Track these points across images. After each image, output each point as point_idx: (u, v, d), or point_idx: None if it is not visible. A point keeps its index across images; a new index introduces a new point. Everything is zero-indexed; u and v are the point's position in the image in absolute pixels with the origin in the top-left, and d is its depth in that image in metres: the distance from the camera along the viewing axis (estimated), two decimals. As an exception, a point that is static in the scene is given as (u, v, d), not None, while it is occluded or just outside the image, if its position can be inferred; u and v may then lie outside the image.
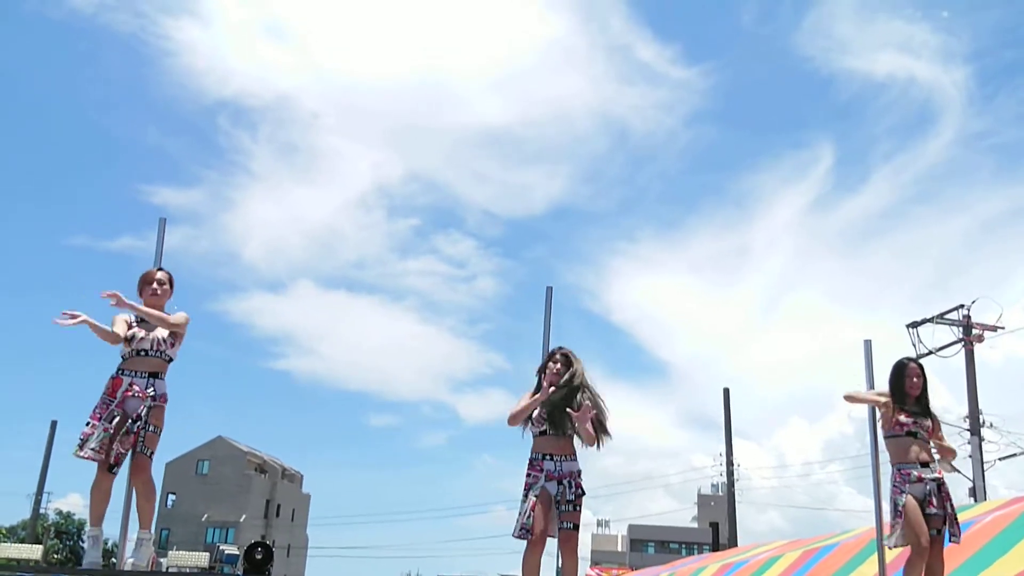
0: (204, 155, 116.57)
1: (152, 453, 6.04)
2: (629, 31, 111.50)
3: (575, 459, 6.31)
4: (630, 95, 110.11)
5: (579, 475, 6.25)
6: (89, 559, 6.10)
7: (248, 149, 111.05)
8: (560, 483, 6.18)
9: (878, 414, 7.02)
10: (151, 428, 6.03)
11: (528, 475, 6.26)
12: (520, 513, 6.09)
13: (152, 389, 6.12)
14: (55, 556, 55.36)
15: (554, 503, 6.13)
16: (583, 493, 6.20)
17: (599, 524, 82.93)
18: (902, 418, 6.75)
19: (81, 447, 5.91)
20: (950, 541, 6.59)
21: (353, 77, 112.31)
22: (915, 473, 6.61)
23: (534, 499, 6.08)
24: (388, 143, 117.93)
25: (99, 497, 6.01)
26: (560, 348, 6.57)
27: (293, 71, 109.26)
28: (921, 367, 6.99)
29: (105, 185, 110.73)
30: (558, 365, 6.41)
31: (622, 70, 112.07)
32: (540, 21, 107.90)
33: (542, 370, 6.48)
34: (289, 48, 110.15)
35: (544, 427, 6.29)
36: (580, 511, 6.19)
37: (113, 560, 7.38)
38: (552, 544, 6.27)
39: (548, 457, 6.23)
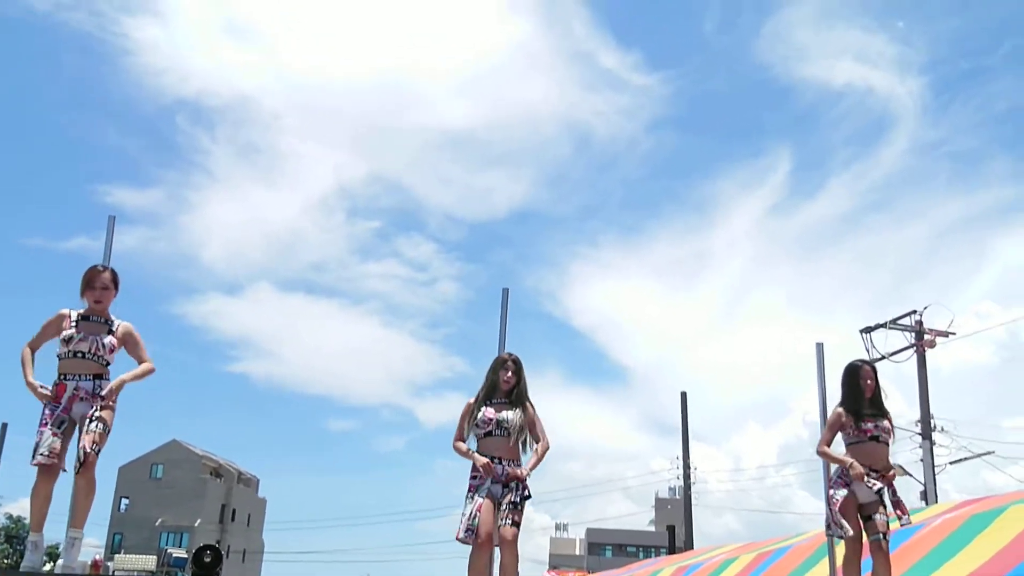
0: (162, 155, 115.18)
1: (99, 451, 5.88)
2: (591, 37, 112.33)
3: (519, 462, 6.32)
4: (593, 101, 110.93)
5: (525, 478, 6.25)
6: (28, 563, 5.92)
7: (207, 149, 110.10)
8: (506, 486, 6.18)
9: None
10: (101, 427, 5.88)
11: (473, 477, 6.25)
12: (464, 515, 6.06)
13: (100, 390, 6.00)
14: (5, 561, 54.26)
15: (497, 505, 6.12)
16: (529, 496, 6.20)
17: (557, 528, 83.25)
18: (865, 424, 6.74)
19: (33, 455, 5.79)
20: (900, 523, 6.67)
21: (316, 78, 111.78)
22: (866, 477, 6.63)
23: (480, 500, 6.08)
24: (350, 145, 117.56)
25: (40, 503, 5.87)
26: (510, 354, 6.58)
27: (255, 71, 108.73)
28: (874, 368, 7.03)
29: (60, 185, 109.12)
30: (509, 373, 6.43)
31: (585, 76, 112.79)
32: (505, 24, 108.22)
33: (492, 372, 6.48)
34: (251, 48, 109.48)
35: (491, 428, 6.28)
36: (523, 511, 6.18)
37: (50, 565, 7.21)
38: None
39: (496, 460, 6.22)
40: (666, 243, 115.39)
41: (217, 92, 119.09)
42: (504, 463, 6.22)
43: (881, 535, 6.57)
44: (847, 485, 6.63)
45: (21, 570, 5.93)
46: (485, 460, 6.16)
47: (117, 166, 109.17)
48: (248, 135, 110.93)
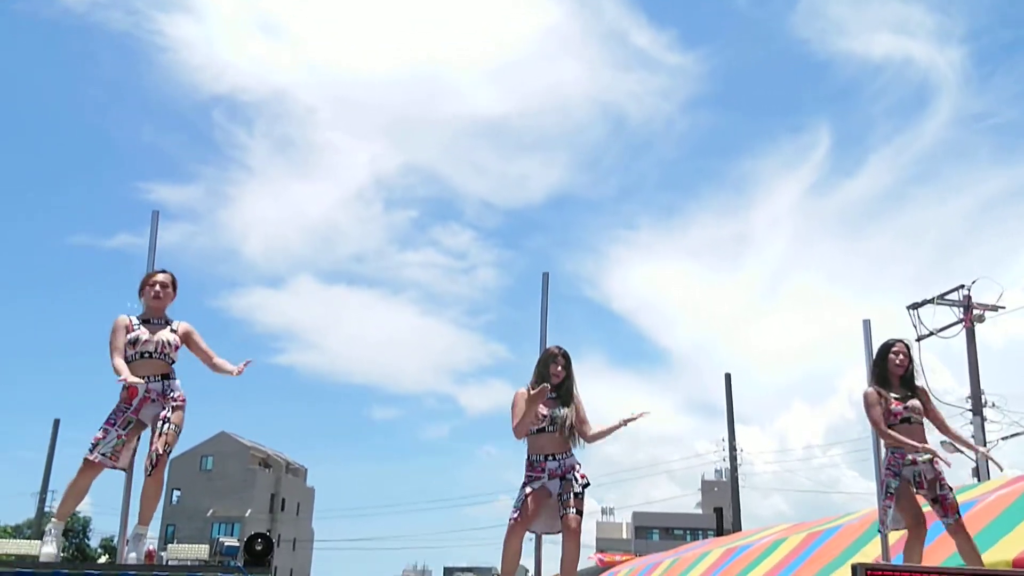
0: (200, 151, 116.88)
1: (170, 452, 6.05)
2: (624, 17, 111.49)
3: (572, 454, 6.32)
4: (627, 82, 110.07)
5: (580, 467, 6.28)
6: (47, 553, 5.95)
7: (244, 144, 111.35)
8: (564, 478, 6.19)
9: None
10: (174, 427, 6.05)
11: (528, 476, 6.25)
12: (515, 501, 6.15)
13: (170, 391, 6.13)
14: (61, 554, 55.40)
15: (557, 497, 6.14)
16: (588, 484, 6.24)
17: (603, 512, 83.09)
18: (893, 407, 6.64)
19: (92, 450, 5.89)
20: (943, 526, 6.54)
21: (348, 70, 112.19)
22: (909, 456, 6.55)
23: (530, 490, 6.14)
24: (385, 136, 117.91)
25: (77, 494, 6.00)
26: (559, 348, 6.56)
27: (288, 65, 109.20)
28: (907, 345, 6.91)
29: (102, 183, 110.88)
30: (559, 367, 6.42)
31: (618, 56, 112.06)
32: (534, 9, 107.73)
33: (543, 367, 6.45)
34: (283, 42, 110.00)
35: (543, 425, 6.27)
36: (584, 499, 6.21)
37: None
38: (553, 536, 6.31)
39: (550, 457, 6.23)
40: (705, 224, 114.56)
41: (252, 87, 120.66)
42: (559, 458, 6.24)
43: (952, 519, 6.45)
44: (897, 475, 6.54)
45: (40, 559, 5.95)
46: (544, 385, 6.16)
47: (156, 163, 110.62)
48: (284, 129, 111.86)
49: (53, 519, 6.14)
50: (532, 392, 6.17)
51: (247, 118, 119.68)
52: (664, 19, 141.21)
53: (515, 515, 6.07)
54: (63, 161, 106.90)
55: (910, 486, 6.52)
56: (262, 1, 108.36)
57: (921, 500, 6.61)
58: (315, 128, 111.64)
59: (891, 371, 6.76)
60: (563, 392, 6.40)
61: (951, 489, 6.56)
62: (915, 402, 6.72)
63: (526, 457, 6.33)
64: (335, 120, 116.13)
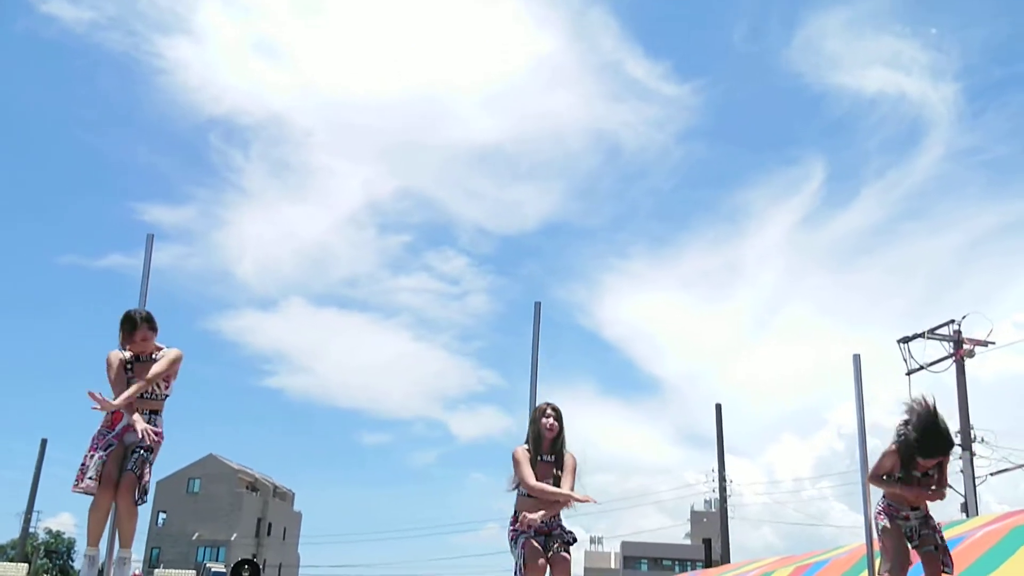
0: (196, 173, 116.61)
1: (141, 476, 5.99)
2: (620, 48, 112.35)
3: (559, 518, 6.31)
4: (621, 112, 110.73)
5: (565, 526, 6.30)
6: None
7: (240, 167, 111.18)
8: (549, 535, 6.20)
9: (867, 431, 6.95)
10: (148, 455, 6.04)
11: (513, 528, 6.24)
12: (518, 559, 6.10)
13: (153, 425, 6.12)
14: (44, 575, 54.94)
15: (542, 547, 6.14)
16: (576, 540, 6.28)
17: (592, 541, 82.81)
18: (917, 473, 6.49)
19: (79, 482, 5.89)
20: (943, 572, 6.53)
21: (345, 94, 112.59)
22: (903, 512, 6.55)
23: (524, 540, 6.11)
24: (380, 160, 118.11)
25: (100, 516, 5.98)
26: (549, 404, 6.55)
27: (286, 89, 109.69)
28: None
29: (95, 203, 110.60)
30: (551, 420, 6.41)
31: (613, 87, 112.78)
32: (531, 38, 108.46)
33: (535, 424, 6.44)
34: (282, 66, 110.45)
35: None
36: (571, 547, 6.25)
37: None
38: None
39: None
40: (697, 254, 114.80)
41: (249, 110, 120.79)
42: (546, 521, 6.18)
43: (932, 547, 6.46)
44: (893, 518, 6.54)
45: None
46: (535, 518, 6.10)
47: (151, 184, 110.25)
48: (279, 152, 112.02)
49: (89, 547, 6.07)
50: (528, 521, 6.14)
51: (244, 140, 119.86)
52: (660, 50, 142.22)
53: (518, 569, 6.04)
54: (57, 180, 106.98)
55: (901, 530, 6.52)
56: (261, 24, 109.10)
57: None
58: (311, 151, 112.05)
59: (929, 452, 6.50)
60: (557, 448, 6.39)
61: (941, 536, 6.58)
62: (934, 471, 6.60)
63: (513, 511, 6.30)
64: (331, 143, 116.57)
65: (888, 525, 6.53)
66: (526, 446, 6.38)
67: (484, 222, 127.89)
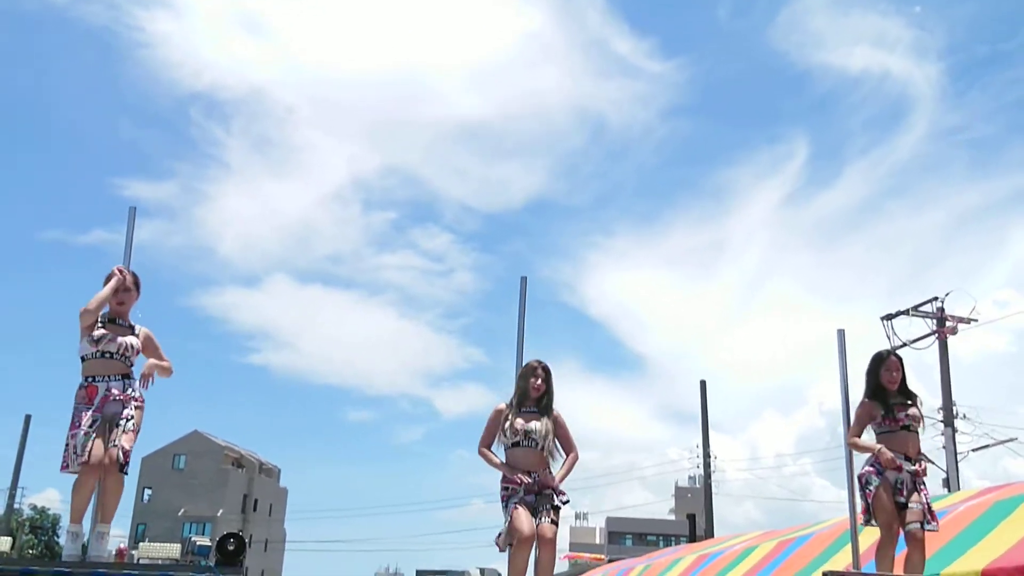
0: (177, 148, 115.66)
1: (126, 448, 6.00)
2: (606, 24, 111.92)
3: (550, 470, 6.32)
4: (607, 89, 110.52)
5: (559, 486, 6.29)
6: (68, 553, 6.05)
7: (222, 142, 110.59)
8: (539, 494, 6.19)
9: (851, 408, 6.96)
10: (132, 427, 6.03)
11: (504, 488, 6.24)
12: (505, 522, 6.10)
13: (131, 390, 6.12)
14: (30, 551, 54.90)
15: (531, 509, 6.13)
16: (568, 501, 6.27)
17: (577, 517, 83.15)
18: (897, 414, 6.66)
19: (69, 464, 5.89)
20: (925, 529, 6.57)
21: (329, 70, 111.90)
22: (897, 463, 6.55)
23: (515, 506, 6.10)
24: (365, 137, 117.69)
25: (85, 495, 5.98)
26: (540, 362, 6.53)
27: (268, 64, 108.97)
28: (900, 358, 6.92)
29: (77, 179, 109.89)
30: (539, 380, 6.41)
31: (599, 64, 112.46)
32: (517, 15, 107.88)
33: (523, 380, 6.46)
34: (264, 41, 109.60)
35: (519, 439, 6.28)
36: (560, 513, 6.22)
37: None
38: None
39: (526, 472, 6.21)
40: (682, 232, 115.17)
41: (231, 85, 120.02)
42: (534, 474, 6.22)
43: (918, 524, 6.47)
44: (879, 473, 6.58)
45: (64, 559, 6.03)
46: (521, 476, 6.15)
47: (132, 159, 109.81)
48: (262, 128, 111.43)
49: (72, 523, 6.10)
50: (513, 478, 6.18)
51: (225, 115, 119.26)
52: (645, 27, 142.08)
53: (511, 540, 6.04)
54: (36, 155, 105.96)
55: (890, 488, 6.54)
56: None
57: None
58: (294, 127, 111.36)
59: (884, 384, 6.76)
60: (543, 406, 6.40)
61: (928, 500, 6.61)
62: (915, 411, 6.77)
63: (504, 463, 6.31)
64: (315, 120, 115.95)
65: (878, 482, 6.53)
66: (507, 403, 6.43)
67: (469, 199, 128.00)
